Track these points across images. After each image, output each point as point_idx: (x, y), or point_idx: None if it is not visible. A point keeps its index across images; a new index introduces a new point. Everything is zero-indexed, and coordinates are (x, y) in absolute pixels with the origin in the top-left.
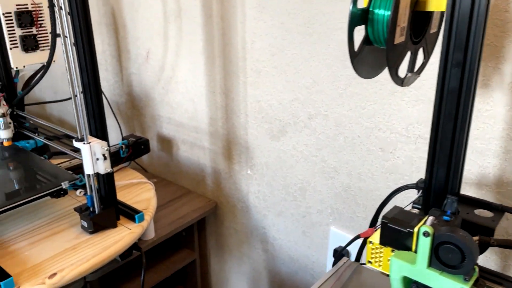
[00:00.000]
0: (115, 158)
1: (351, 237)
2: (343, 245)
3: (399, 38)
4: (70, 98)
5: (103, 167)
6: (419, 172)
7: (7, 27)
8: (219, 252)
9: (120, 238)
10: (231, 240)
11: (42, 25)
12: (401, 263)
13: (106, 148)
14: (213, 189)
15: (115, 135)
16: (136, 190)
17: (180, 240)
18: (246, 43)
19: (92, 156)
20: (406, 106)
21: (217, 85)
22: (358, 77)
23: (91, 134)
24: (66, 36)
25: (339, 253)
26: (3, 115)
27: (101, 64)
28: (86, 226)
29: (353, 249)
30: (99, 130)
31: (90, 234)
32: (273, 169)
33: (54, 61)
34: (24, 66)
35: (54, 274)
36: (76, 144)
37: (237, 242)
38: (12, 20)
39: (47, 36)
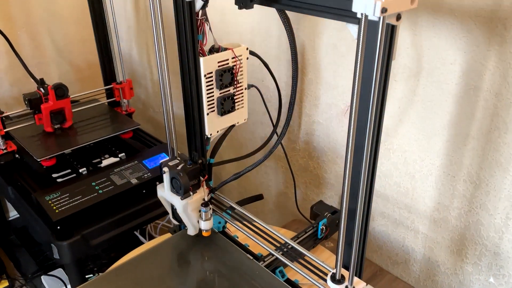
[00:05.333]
0: (311, 239)
1: None
2: None
3: None
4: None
5: None
6: None
7: (207, 89)
8: None
9: None
10: None
11: (240, 82)
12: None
13: None
14: (420, 278)
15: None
16: None
17: None
18: None
19: None
20: None
21: (462, 170)
22: None
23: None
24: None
25: None
26: (206, 204)
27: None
28: None
29: None
30: (358, 258)
31: None
32: None
33: (245, 119)
34: (217, 132)
35: None
36: (333, 285)
37: None
38: (212, 81)
39: (243, 93)
